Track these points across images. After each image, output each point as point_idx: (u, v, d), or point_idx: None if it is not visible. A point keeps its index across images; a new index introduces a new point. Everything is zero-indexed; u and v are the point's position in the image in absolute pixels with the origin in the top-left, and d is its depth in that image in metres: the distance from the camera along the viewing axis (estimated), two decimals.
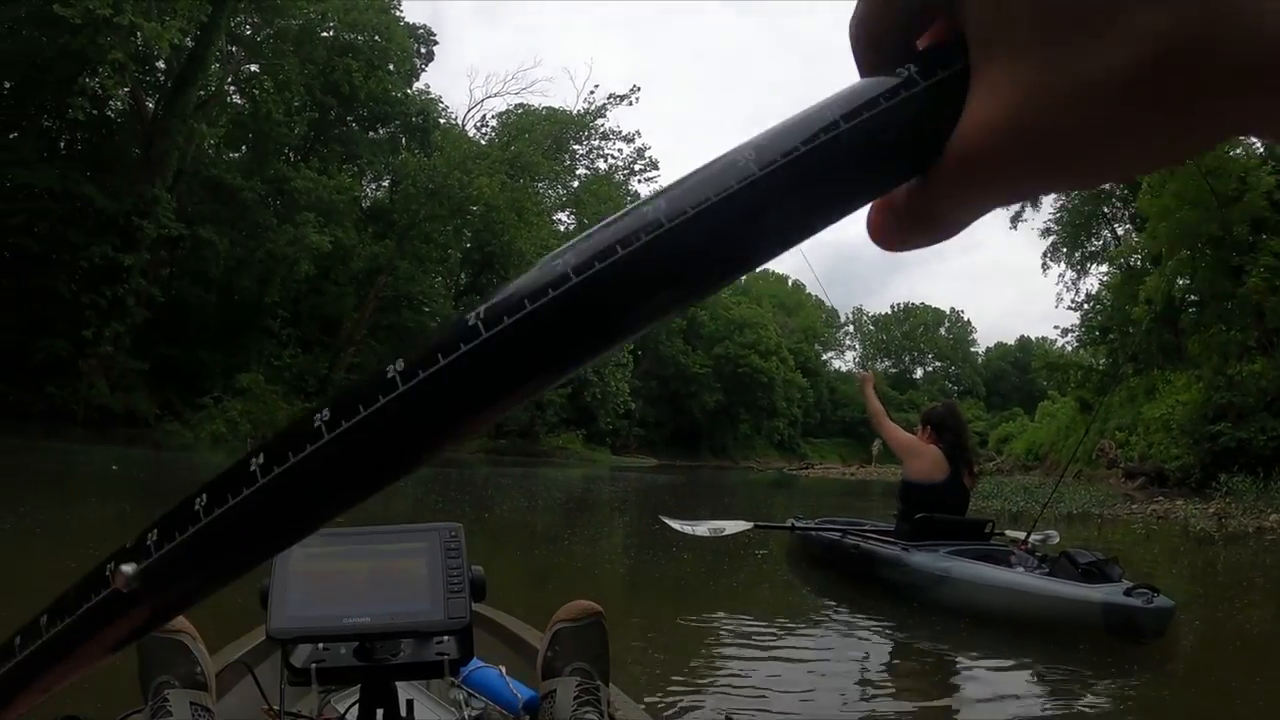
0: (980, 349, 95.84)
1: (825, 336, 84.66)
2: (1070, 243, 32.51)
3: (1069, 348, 36.22)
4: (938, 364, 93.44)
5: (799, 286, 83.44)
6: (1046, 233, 33.54)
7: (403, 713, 1.38)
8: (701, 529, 5.66)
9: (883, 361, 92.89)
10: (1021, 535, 6.27)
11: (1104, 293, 32.78)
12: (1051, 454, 33.99)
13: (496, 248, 38.75)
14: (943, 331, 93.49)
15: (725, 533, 5.73)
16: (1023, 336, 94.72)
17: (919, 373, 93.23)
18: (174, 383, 26.57)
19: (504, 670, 1.99)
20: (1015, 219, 33.94)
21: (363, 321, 32.90)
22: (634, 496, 16.67)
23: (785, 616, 5.39)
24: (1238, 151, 16.27)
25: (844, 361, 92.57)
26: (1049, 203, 32.84)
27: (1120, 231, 31.35)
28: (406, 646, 1.35)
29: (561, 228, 45.16)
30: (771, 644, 4.64)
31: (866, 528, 6.27)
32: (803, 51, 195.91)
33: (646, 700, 3.13)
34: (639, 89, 43.31)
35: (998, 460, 41.96)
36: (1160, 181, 15.94)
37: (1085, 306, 33.20)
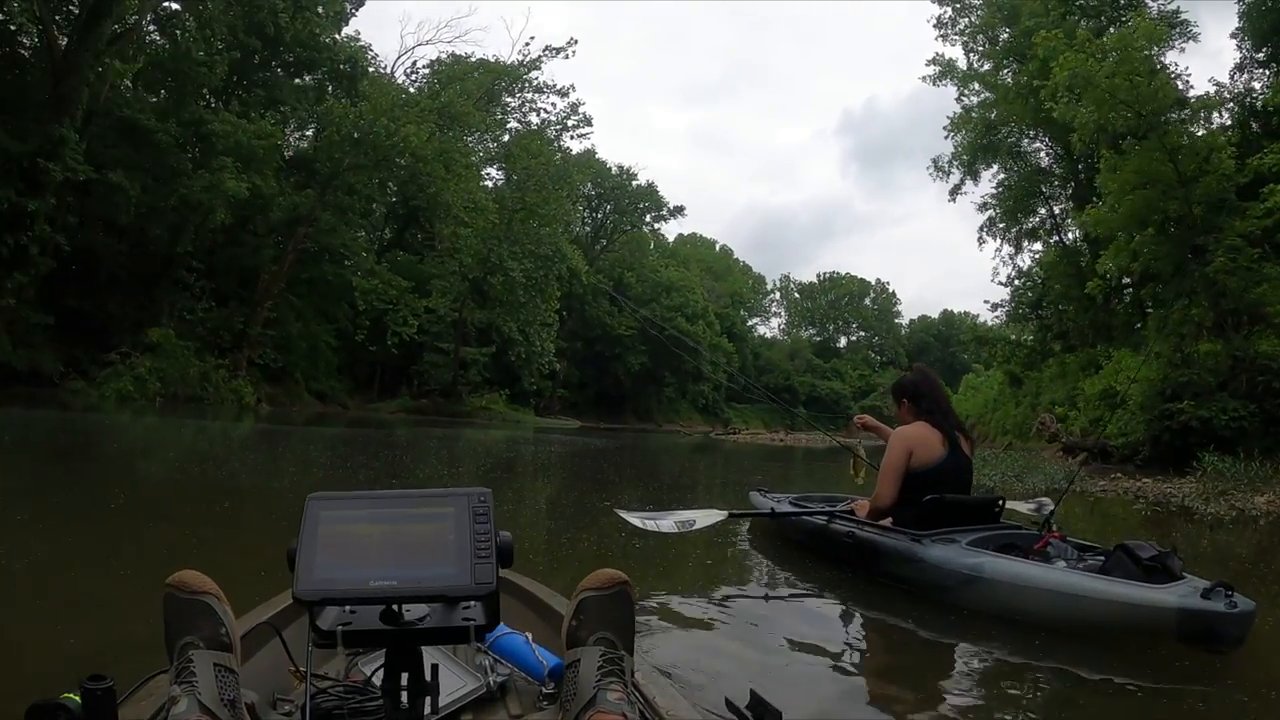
0: (904, 321, 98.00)
1: (751, 303, 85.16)
2: (1008, 218, 32.48)
3: (998, 322, 36.44)
4: (862, 334, 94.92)
5: (727, 251, 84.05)
6: (984, 207, 33.50)
7: (428, 677, 1.38)
8: (667, 522, 4.71)
9: (807, 329, 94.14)
10: (1026, 508, 5.78)
11: (1036, 269, 32.92)
12: (979, 426, 34.37)
13: (422, 201, 37.67)
14: (868, 302, 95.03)
15: (696, 526, 4.80)
16: (946, 310, 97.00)
17: (843, 342, 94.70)
18: (81, 338, 24.90)
19: (530, 637, 2.02)
20: (954, 192, 33.99)
21: (281, 274, 31.34)
22: (568, 462, 15.99)
23: (776, 601, 4.77)
24: (1200, 131, 16.27)
25: (769, 328, 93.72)
26: (988, 177, 33.19)
27: (1057, 210, 31.47)
28: (433, 611, 1.35)
29: (490, 182, 44.21)
30: (770, 631, 4.10)
31: (848, 508, 5.39)
32: (745, 19, 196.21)
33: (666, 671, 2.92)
34: (576, 42, 42.28)
35: None
36: (1118, 161, 15.81)
37: (1017, 283, 33.33)
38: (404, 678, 1.36)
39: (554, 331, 46.29)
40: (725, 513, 5.22)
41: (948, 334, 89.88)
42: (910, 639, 3.95)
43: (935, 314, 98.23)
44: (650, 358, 59.06)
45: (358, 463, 11.54)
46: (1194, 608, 3.18)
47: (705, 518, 4.92)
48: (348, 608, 1.32)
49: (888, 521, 4.76)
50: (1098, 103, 15.49)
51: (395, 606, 1.32)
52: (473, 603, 1.35)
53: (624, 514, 4.92)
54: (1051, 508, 5.69)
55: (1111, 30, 18.81)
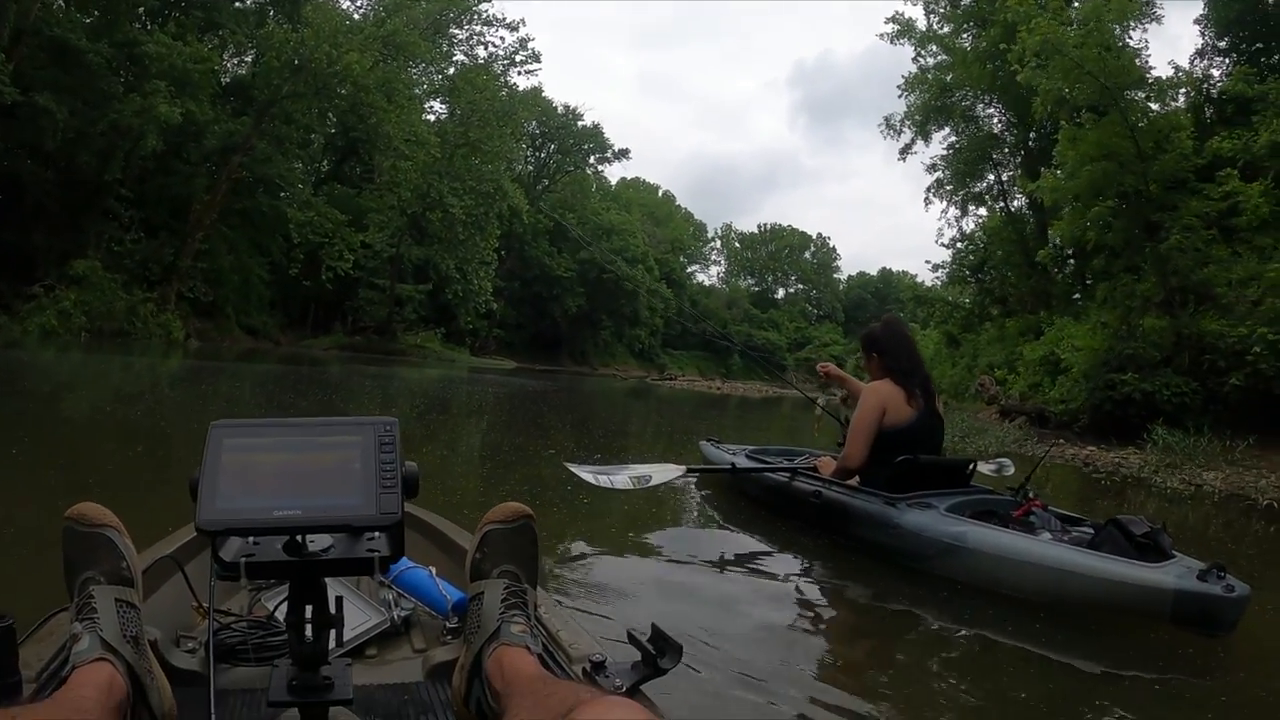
0: (843, 277, 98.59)
1: (692, 250, 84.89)
2: (956, 181, 32.55)
3: (937, 283, 36.76)
4: (800, 286, 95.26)
5: (670, 197, 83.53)
6: (933, 168, 33.47)
7: (332, 610, 1.34)
8: (620, 478, 4.45)
9: (746, 279, 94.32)
10: (988, 468, 5.55)
11: (979, 234, 33.17)
12: None
13: (362, 133, 36.42)
14: (808, 256, 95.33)
15: (652, 482, 4.55)
16: (885, 268, 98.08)
17: (781, 293, 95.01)
18: (2, 270, 23.60)
19: (434, 571, 2.03)
20: (904, 151, 33.80)
21: (214, 205, 29.88)
22: (504, 404, 15.73)
23: (717, 553, 4.52)
24: (1160, 109, 16.34)
25: (708, 276, 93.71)
26: (939, 139, 33.10)
27: (1005, 177, 31.60)
28: (337, 542, 1.31)
29: (432, 116, 43.04)
30: (700, 576, 4.05)
31: (810, 464, 5.14)
32: None
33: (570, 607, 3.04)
34: None
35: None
36: (1078, 132, 15.98)
37: (960, 245, 33.58)
38: (307, 611, 1.33)
39: (492, 270, 45.58)
40: (682, 468, 4.93)
41: (885, 292, 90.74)
42: (877, 604, 3.83)
43: (874, 271, 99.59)
44: (588, 300, 58.52)
45: (286, 401, 11.17)
46: (1191, 590, 3.09)
47: (661, 473, 4.67)
48: (251, 539, 1.28)
49: (854, 481, 4.58)
50: (1064, 71, 15.45)
51: (299, 537, 1.28)
52: (377, 534, 1.32)
53: (574, 468, 4.60)
54: (1012, 468, 5.74)
55: (1076, 3, 18.59)
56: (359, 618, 1.85)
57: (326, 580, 1.36)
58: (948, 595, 3.70)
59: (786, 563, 4.50)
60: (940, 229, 46.32)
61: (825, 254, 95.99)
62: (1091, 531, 3.75)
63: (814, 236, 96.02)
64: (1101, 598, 3.34)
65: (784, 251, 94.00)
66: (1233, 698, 2.85)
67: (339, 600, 1.39)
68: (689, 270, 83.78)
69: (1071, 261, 25.35)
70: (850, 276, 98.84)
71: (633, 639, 1.52)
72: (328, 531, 1.30)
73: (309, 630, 1.34)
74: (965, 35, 30.18)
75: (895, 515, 4.08)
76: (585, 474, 4.50)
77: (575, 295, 57.42)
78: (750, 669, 2.76)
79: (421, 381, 20.61)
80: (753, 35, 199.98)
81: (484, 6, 42.38)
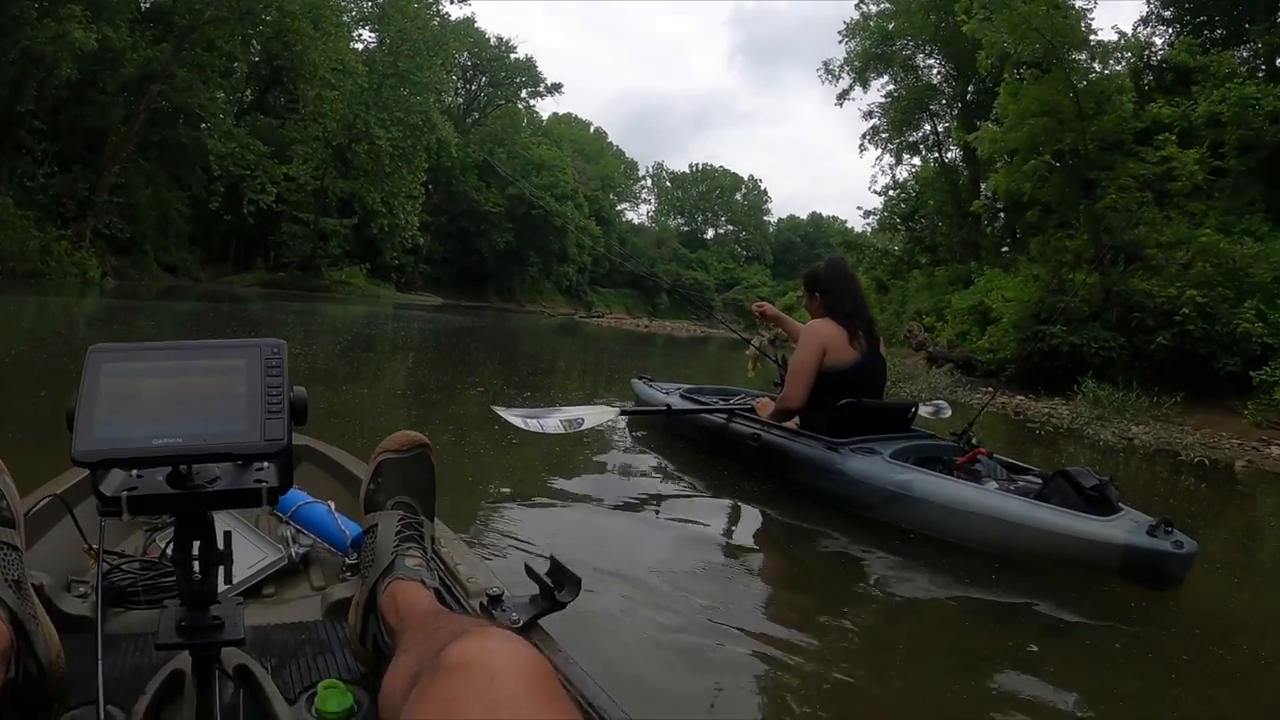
0: (773, 219, 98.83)
1: (622, 188, 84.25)
2: (893, 129, 32.69)
3: (869, 230, 37.24)
4: (730, 228, 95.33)
5: (601, 134, 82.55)
6: (869, 115, 33.61)
7: (220, 546, 1.25)
8: (551, 421, 4.17)
9: (676, 219, 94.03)
10: (925, 410, 5.42)
11: (911, 183, 33.56)
12: None
13: (287, 61, 34.88)
14: (739, 197, 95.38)
15: (585, 425, 4.29)
16: (815, 213, 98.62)
17: (710, 234, 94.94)
18: None
19: (333, 506, 1.96)
20: (842, 97, 33.83)
21: (131, 136, 28.25)
22: (430, 340, 15.56)
23: (646, 494, 4.49)
24: (1103, 70, 16.53)
25: (638, 214, 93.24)
26: (877, 86, 33.26)
27: (941, 128, 31.79)
28: (224, 473, 1.20)
29: (361, 44, 41.56)
30: (624, 518, 3.99)
31: (746, 405, 5.03)
32: None
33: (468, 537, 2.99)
34: None
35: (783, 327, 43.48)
36: (1019, 88, 16.19)
37: (892, 193, 34.00)
38: (194, 547, 1.23)
39: (419, 205, 44.89)
40: (616, 409, 4.73)
41: (815, 236, 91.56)
42: (813, 550, 3.70)
43: (804, 215, 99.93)
44: (516, 236, 57.84)
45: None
46: (1141, 545, 3.08)
47: (594, 415, 4.43)
48: (134, 471, 1.18)
49: (794, 423, 4.47)
50: (1010, 25, 15.50)
51: (183, 468, 1.17)
52: (265, 464, 1.22)
53: (502, 411, 4.26)
54: (949, 411, 5.68)
55: None
56: (255, 555, 1.79)
57: (227, 517, 1.30)
58: (892, 542, 3.64)
59: (720, 507, 4.41)
60: (874, 176, 46.75)
61: (756, 196, 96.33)
62: (1039, 482, 3.73)
63: (746, 178, 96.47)
64: (1050, 550, 3.31)
65: (715, 192, 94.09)
66: (1177, 651, 2.87)
67: (228, 535, 1.29)
68: (619, 208, 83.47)
69: (1002, 215, 25.67)
70: (780, 219, 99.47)
71: (530, 571, 1.48)
72: (210, 460, 1.19)
73: (196, 568, 1.24)
74: None
75: (838, 461, 3.99)
76: (513, 417, 4.19)
77: (503, 231, 56.64)
78: (669, 610, 2.69)
79: (346, 318, 20.28)
80: None
81: None
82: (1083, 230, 15.32)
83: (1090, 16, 17.23)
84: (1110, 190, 14.44)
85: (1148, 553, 3.06)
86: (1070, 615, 3.06)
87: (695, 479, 4.84)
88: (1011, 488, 3.69)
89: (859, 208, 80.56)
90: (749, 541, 3.91)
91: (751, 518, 4.17)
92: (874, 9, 31.68)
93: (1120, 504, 3.35)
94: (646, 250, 77.35)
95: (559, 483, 4.52)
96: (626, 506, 4.15)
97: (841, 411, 4.13)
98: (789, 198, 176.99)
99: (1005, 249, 26.80)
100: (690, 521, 4.00)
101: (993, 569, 3.36)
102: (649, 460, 5.38)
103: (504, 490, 4.26)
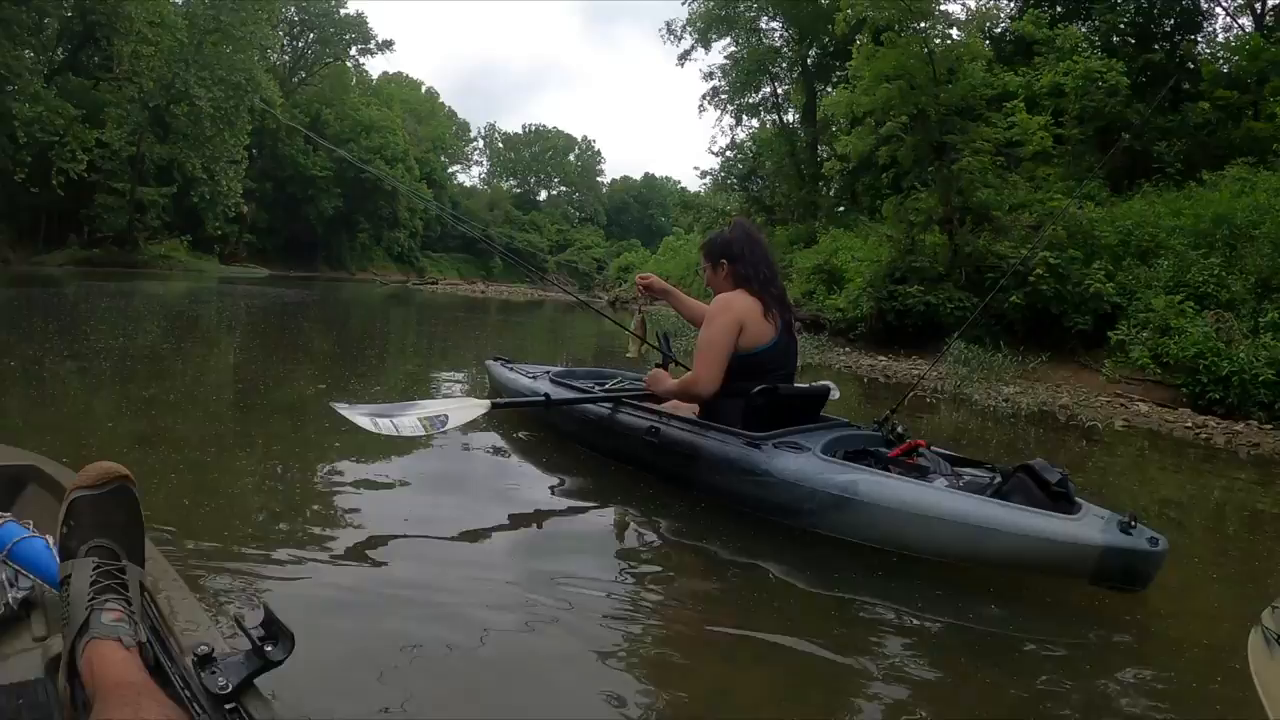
0: (606, 180, 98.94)
1: (454, 149, 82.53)
2: (733, 91, 33.17)
3: (704, 190, 37.86)
4: (563, 189, 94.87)
5: (433, 94, 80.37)
6: (709, 76, 34.02)
7: None
8: (407, 420, 3.39)
9: (508, 180, 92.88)
10: (831, 391, 4.29)
11: (749, 144, 34.22)
12: (681, 285, 35.81)
13: (102, 15, 32.14)
14: (572, 158, 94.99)
15: (450, 425, 3.50)
16: (648, 173, 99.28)
17: (543, 195, 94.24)
18: None
19: (51, 541, 1.64)
20: (683, 57, 33.94)
21: None
22: (257, 320, 14.39)
23: (504, 508, 3.63)
24: (947, 37, 17.21)
25: (470, 177, 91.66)
26: (719, 48, 33.49)
27: (780, 91, 32.42)
28: None
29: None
30: (460, 543, 3.19)
31: (632, 386, 4.53)
32: None
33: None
34: None
35: (621, 288, 43.79)
36: (874, 51, 16.28)
37: (729, 154, 34.65)
38: None
39: (242, 170, 42.58)
40: (486, 403, 3.80)
41: (649, 197, 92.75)
42: (726, 565, 3.09)
43: (638, 176, 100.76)
44: (345, 202, 55.75)
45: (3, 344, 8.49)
46: (1119, 545, 2.75)
47: (461, 411, 3.65)
48: None
49: (691, 411, 3.89)
50: None
51: None
52: None
53: (344, 410, 3.44)
54: (837, 392, 4.66)
55: None
56: None
57: None
58: (821, 551, 3.16)
59: (603, 522, 3.65)
60: (714, 137, 47.25)
61: (590, 157, 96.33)
62: (986, 475, 3.32)
63: (579, 139, 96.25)
64: (1020, 556, 2.90)
65: (548, 154, 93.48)
66: (1152, 647, 2.73)
67: None
68: (450, 170, 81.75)
69: (843, 176, 26.42)
70: (614, 180, 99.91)
71: (239, 624, 1.31)
72: None
73: None
74: None
75: (762, 460, 3.39)
76: (358, 417, 3.39)
77: (331, 196, 54.56)
78: (524, 661, 2.22)
79: (167, 297, 19.07)
80: None
81: None
82: (935, 191, 15.80)
83: None
84: (965, 153, 14.98)
85: (1124, 552, 2.75)
86: (1035, 626, 2.77)
87: (571, 483, 4.10)
88: (960, 484, 3.25)
89: (696, 168, 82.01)
90: (644, 568, 3.12)
91: (643, 534, 3.46)
92: None
93: (1079, 497, 3.01)
94: (479, 213, 76.11)
95: (380, 497, 3.71)
96: (474, 527, 3.34)
97: (756, 400, 3.56)
98: (623, 158, 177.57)
99: (841, 209, 27.76)
100: (561, 546, 3.31)
101: (944, 580, 2.97)
102: (511, 462, 4.58)
103: (312, 510, 3.46)
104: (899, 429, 3.80)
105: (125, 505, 1.40)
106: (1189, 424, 8.57)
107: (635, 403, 4.12)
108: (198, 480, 3.69)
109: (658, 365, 4.39)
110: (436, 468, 4.38)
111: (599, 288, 48.35)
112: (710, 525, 3.42)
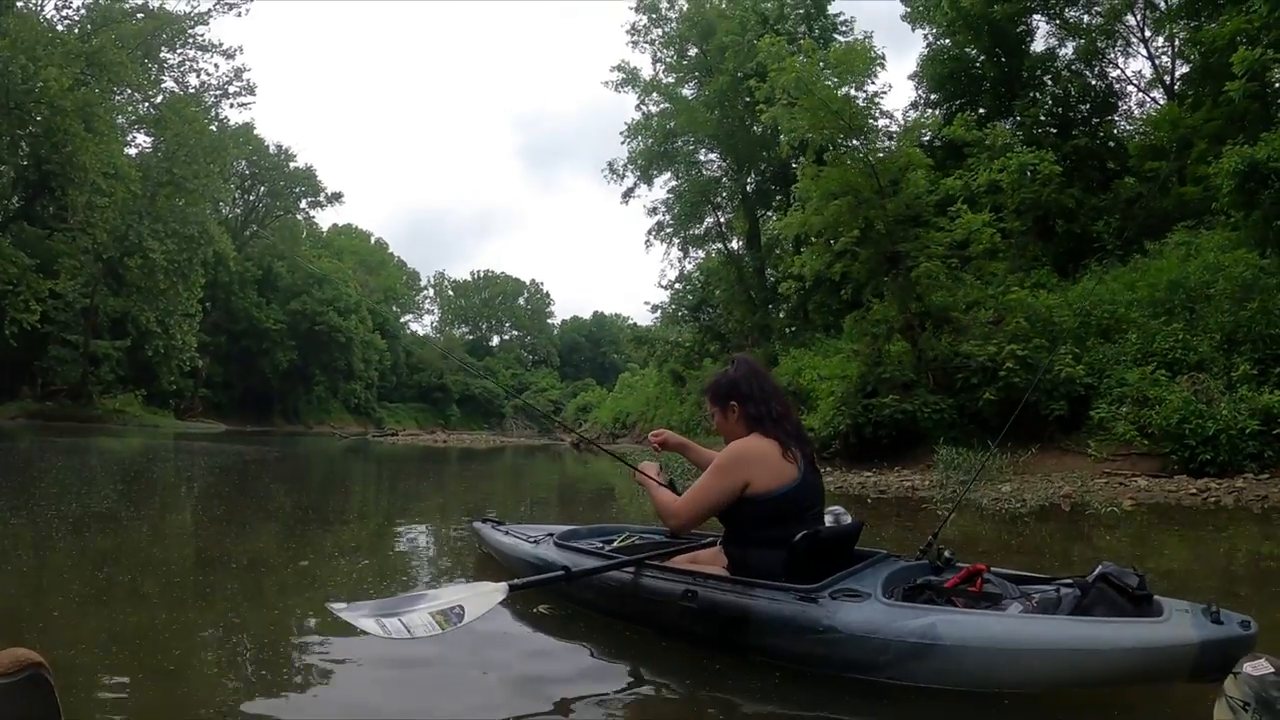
0: (556, 321, 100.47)
1: (405, 299, 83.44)
2: (678, 223, 34.22)
3: (655, 323, 38.39)
4: (515, 333, 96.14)
5: (383, 245, 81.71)
6: (654, 211, 35.06)
7: None
8: (417, 617, 2.95)
9: (460, 327, 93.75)
10: (829, 520, 3.83)
11: (697, 274, 35.18)
12: (641, 422, 36.13)
13: (56, 165, 32.52)
14: (522, 302, 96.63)
15: (467, 618, 3.01)
16: (597, 311, 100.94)
17: (496, 340, 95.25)
18: None
19: None
20: (627, 194, 35.10)
21: None
22: (218, 479, 12.93)
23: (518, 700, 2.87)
24: (894, 147, 17.99)
25: (422, 325, 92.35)
26: (660, 183, 34.64)
27: (723, 219, 33.55)
28: None
29: (135, 149, 39.60)
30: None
31: (644, 549, 4.14)
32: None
33: None
34: None
35: (583, 427, 43.58)
36: (819, 171, 16.81)
37: (678, 286, 35.35)
38: None
39: (196, 323, 42.58)
40: (504, 586, 3.27)
41: (599, 335, 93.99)
42: None
43: (587, 315, 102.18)
44: (300, 354, 55.67)
45: None
46: (1215, 638, 2.66)
47: (477, 600, 3.17)
48: None
49: (720, 565, 3.57)
50: (811, 110, 16.52)
51: None
52: None
53: (344, 612, 2.99)
54: (849, 516, 4.13)
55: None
56: None
57: None
58: (895, 698, 2.85)
59: (646, 700, 3.04)
60: (663, 270, 48.37)
61: (539, 300, 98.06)
62: (1055, 591, 3.12)
63: (527, 282, 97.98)
64: (1123, 671, 2.78)
65: (498, 299, 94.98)
66: None
67: None
68: (403, 320, 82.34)
69: (795, 296, 26.89)
70: (564, 320, 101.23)
71: None
72: None
73: None
74: (689, 84, 32.40)
75: (823, 615, 3.05)
76: (364, 620, 2.92)
77: (286, 349, 54.50)
78: None
79: (122, 455, 17.99)
80: (467, 79, 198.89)
81: (200, 30, 40.10)
82: (892, 302, 16.00)
83: (880, 101, 18.88)
84: (920, 259, 15.27)
85: (1220, 643, 2.64)
86: None
87: (596, 656, 3.43)
88: (1033, 605, 3.05)
89: (646, 302, 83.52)
90: None
91: (704, 709, 2.86)
92: (654, 110, 33.39)
93: (1148, 590, 2.90)
94: (433, 362, 76.38)
95: (363, 681, 3.07)
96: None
97: (800, 546, 3.27)
98: (572, 299, 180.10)
99: (791, 329, 28.38)
100: None
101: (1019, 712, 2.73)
102: (514, 632, 3.78)
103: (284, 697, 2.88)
104: (946, 553, 3.49)
105: (39, 695, 1.28)
106: (1192, 490, 8.73)
107: (659, 563, 3.71)
108: (148, 654, 3.17)
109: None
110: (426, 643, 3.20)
111: (559, 429, 47.49)
112: (766, 686, 2.99)
